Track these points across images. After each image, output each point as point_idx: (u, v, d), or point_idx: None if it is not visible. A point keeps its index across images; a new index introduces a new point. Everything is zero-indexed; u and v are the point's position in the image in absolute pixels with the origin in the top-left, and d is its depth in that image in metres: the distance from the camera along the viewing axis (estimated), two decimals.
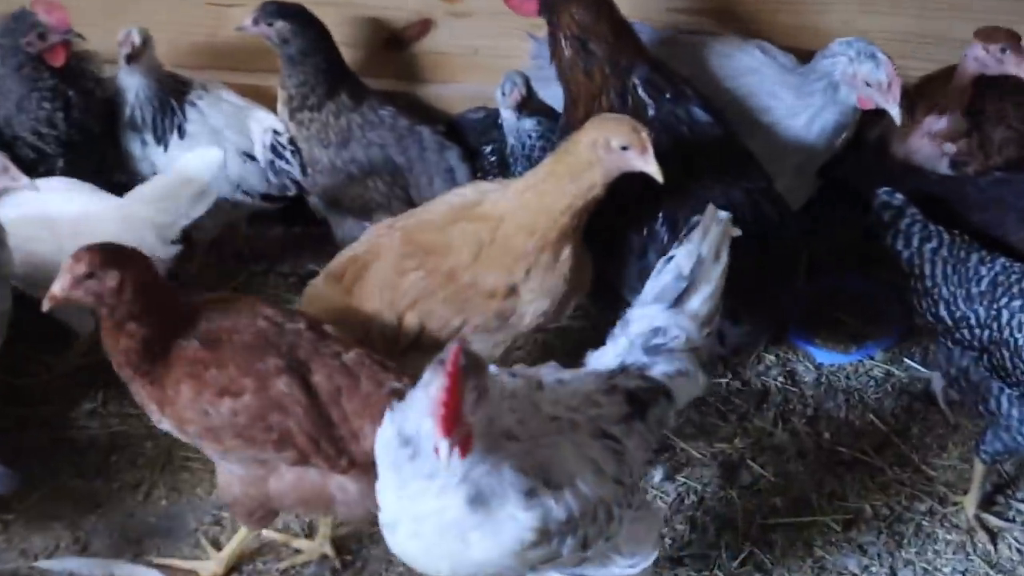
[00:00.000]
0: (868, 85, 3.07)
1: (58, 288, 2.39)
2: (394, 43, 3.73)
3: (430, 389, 1.99)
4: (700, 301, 2.36)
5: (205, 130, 3.41)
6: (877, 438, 3.25)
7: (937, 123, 3.34)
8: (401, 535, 2.19)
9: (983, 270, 2.82)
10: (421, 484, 2.08)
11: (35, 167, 3.29)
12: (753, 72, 3.39)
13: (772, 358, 3.52)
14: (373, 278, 2.91)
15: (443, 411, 1.89)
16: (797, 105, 3.27)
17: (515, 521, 2.05)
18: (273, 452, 2.58)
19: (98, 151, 3.50)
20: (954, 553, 2.96)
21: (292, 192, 3.51)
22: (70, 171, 3.32)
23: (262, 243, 3.96)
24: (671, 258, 2.39)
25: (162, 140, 3.44)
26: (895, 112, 3.03)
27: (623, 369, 2.36)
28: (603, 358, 2.37)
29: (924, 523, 2.99)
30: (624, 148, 2.70)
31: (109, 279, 2.40)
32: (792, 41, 3.55)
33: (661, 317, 2.36)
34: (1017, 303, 2.70)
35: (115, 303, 2.43)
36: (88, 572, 2.94)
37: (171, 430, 2.65)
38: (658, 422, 2.35)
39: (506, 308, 2.80)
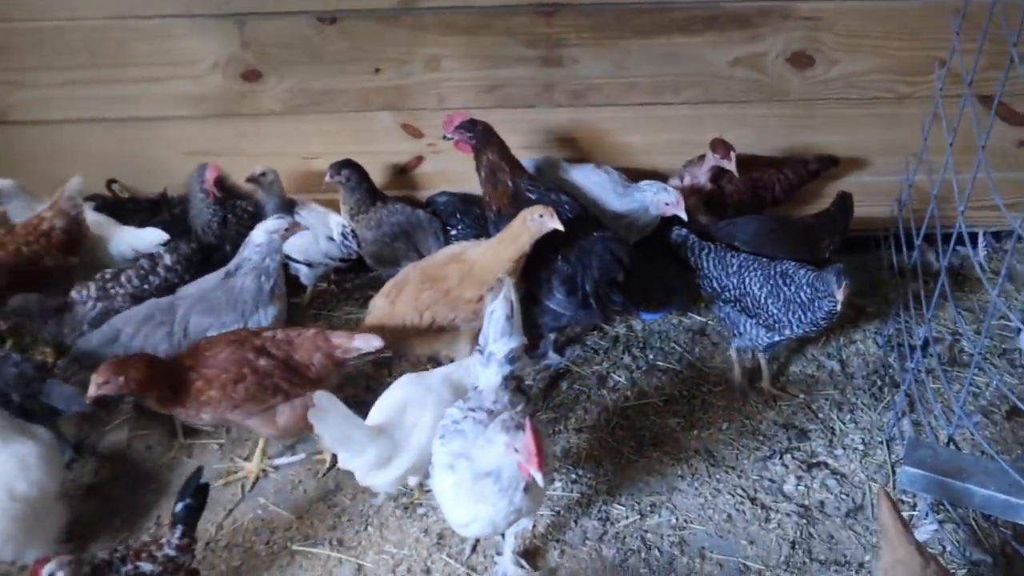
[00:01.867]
0: (667, 204, 4.27)
1: (91, 392, 3.27)
2: (401, 171, 4.84)
3: (519, 445, 2.79)
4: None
5: (307, 225, 4.24)
6: (676, 355, 4.51)
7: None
8: (474, 527, 3.10)
9: (733, 260, 4.09)
10: (499, 496, 2.95)
11: (220, 253, 4.39)
12: (598, 185, 4.49)
13: (619, 318, 4.71)
14: (405, 295, 3.94)
15: (539, 458, 2.76)
16: (622, 208, 4.43)
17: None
18: (272, 400, 3.56)
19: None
20: (723, 412, 4.17)
21: (354, 256, 4.56)
22: (231, 250, 4.20)
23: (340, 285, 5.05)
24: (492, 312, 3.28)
25: None
26: (682, 214, 4.23)
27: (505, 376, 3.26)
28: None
29: (706, 398, 4.26)
30: (540, 216, 3.77)
31: (118, 382, 3.28)
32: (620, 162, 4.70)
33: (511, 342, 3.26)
34: (752, 274, 4.01)
35: (128, 390, 3.33)
36: None
37: (210, 421, 3.60)
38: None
39: (478, 308, 3.69)
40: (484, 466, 2.92)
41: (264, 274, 3.92)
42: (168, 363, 3.51)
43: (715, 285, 4.17)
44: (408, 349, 4.06)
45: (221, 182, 4.46)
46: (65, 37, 4.33)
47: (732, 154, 4.29)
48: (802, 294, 3.88)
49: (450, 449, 3.08)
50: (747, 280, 4.04)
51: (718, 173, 4.52)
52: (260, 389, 3.53)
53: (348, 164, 4.49)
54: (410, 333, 3.96)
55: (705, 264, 4.17)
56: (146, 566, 3.04)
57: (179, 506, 3.13)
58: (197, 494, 3.16)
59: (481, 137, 4.20)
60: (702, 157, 4.50)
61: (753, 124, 4.65)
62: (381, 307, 4.01)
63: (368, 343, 3.66)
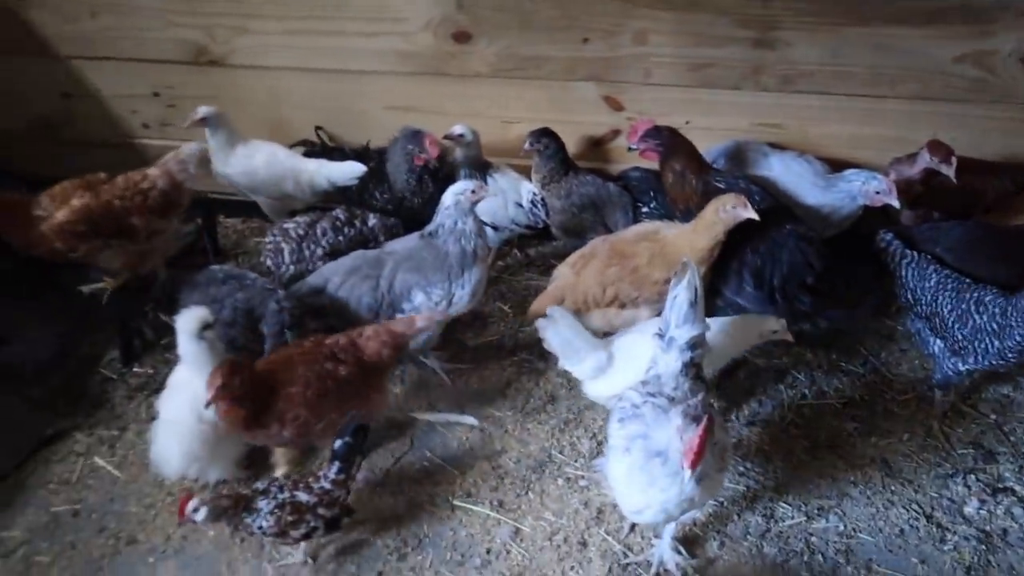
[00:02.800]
0: (877, 193, 4.11)
1: (208, 396, 3.18)
2: (596, 143, 4.83)
3: (686, 437, 2.77)
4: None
5: (496, 188, 4.42)
6: (861, 358, 4.35)
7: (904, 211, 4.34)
8: (647, 514, 3.03)
9: (933, 275, 3.83)
10: (668, 480, 2.89)
11: (412, 209, 4.50)
12: (798, 175, 4.36)
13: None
14: (591, 268, 3.92)
15: (695, 457, 2.74)
16: (821, 200, 4.27)
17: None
18: (355, 406, 3.47)
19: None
20: (905, 423, 4.04)
21: (540, 225, 4.56)
22: (423, 210, 4.36)
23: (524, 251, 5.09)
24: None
25: None
26: (895, 202, 4.06)
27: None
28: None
29: (888, 406, 4.07)
30: (733, 207, 3.69)
31: (217, 387, 3.17)
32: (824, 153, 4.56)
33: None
34: (946, 295, 3.75)
35: (222, 398, 3.22)
36: None
37: (288, 441, 3.49)
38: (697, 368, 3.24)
39: (664, 290, 3.44)
40: (656, 444, 2.92)
41: (463, 237, 3.91)
42: (261, 377, 3.39)
43: (909, 297, 3.98)
44: (586, 321, 3.95)
45: (433, 161, 4.49)
46: None
47: (952, 159, 4.06)
48: (994, 324, 3.61)
49: (628, 432, 3.06)
50: (939, 299, 3.81)
51: (930, 175, 4.27)
52: (343, 398, 3.49)
53: (547, 133, 4.50)
54: (590, 306, 3.96)
55: (904, 273, 3.97)
56: (303, 495, 3.22)
57: (338, 443, 3.30)
58: (356, 433, 3.31)
59: (667, 143, 4.17)
60: (911, 156, 4.29)
61: (973, 125, 4.39)
62: (565, 276, 4.02)
63: (431, 321, 3.70)
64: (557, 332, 3.63)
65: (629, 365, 3.53)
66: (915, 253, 3.94)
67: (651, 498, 2.96)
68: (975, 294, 3.69)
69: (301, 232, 4.25)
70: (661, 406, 3.05)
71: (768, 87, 4.47)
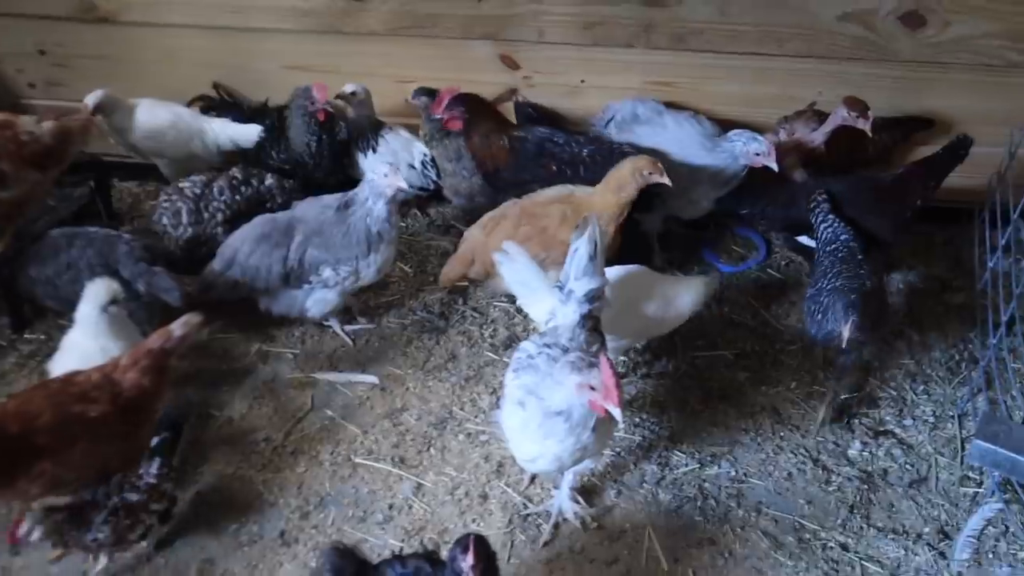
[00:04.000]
0: (757, 155, 4.10)
1: None
2: (494, 102, 4.63)
3: (596, 381, 2.74)
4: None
5: (388, 150, 4.47)
6: (752, 310, 4.40)
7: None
8: (540, 463, 3.04)
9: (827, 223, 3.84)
10: (567, 433, 2.89)
11: (308, 171, 4.52)
12: (686, 136, 4.31)
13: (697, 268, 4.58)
14: (501, 228, 3.90)
15: (617, 393, 2.72)
16: (707, 161, 4.24)
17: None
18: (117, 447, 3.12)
19: (339, 160, 4.56)
20: (793, 372, 4.06)
21: (432, 187, 4.56)
22: (326, 172, 4.51)
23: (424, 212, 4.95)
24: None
25: (365, 152, 4.52)
26: (774, 165, 4.06)
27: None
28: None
29: (778, 356, 4.13)
30: (650, 173, 3.77)
31: None
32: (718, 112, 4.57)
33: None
34: (824, 223, 3.81)
35: None
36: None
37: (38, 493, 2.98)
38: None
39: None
40: (555, 406, 2.88)
41: (370, 217, 3.84)
42: None
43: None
44: (494, 284, 4.01)
45: (326, 118, 4.48)
46: None
47: (869, 113, 4.12)
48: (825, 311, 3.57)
49: (522, 383, 3.03)
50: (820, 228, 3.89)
51: (838, 132, 4.31)
52: (98, 442, 3.04)
53: (428, 92, 4.42)
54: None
55: (821, 233, 3.92)
56: (132, 496, 3.11)
57: (155, 440, 3.22)
58: (173, 427, 3.24)
59: (471, 109, 4.23)
60: (801, 113, 4.38)
61: (856, 83, 4.38)
62: (475, 237, 4.02)
63: (189, 326, 3.29)
64: (514, 269, 3.54)
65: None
66: (837, 218, 3.89)
67: (546, 449, 2.96)
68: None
69: (197, 191, 4.16)
70: (555, 357, 3.03)
71: (660, 45, 4.43)
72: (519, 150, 4.14)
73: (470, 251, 3.98)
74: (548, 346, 3.11)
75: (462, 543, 2.52)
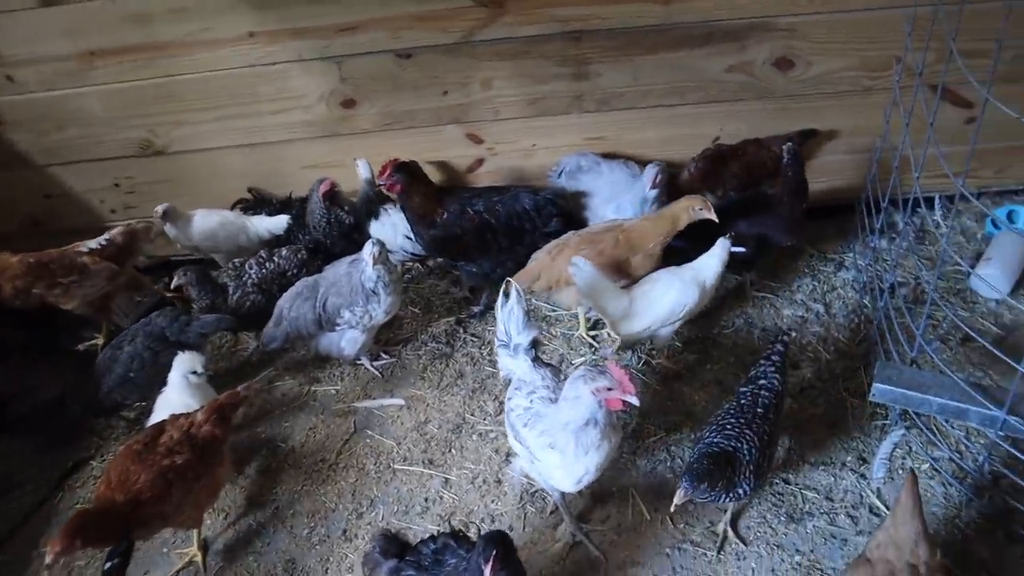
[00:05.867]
0: (653, 184, 4.09)
1: (47, 560, 2.65)
2: (465, 173, 4.68)
3: (613, 381, 2.58)
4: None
5: (389, 221, 4.41)
6: None
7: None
8: (587, 478, 2.80)
9: None
10: (601, 438, 2.71)
11: (327, 247, 4.47)
12: (620, 177, 4.33)
13: None
14: (565, 253, 3.81)
15: (631, 386, 2.60)
16: (636, 192, 4.20)
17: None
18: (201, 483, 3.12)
19: (350, 236, 4.47)
20: (730, 349, 4.05)
21: (424, 254, 4.40)
22: (339, 246, 4.41)
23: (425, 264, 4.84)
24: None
25: (369, 220, 4.46)
26: (654, 189, 4.05)
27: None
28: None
29: (717, 339, 4.10)
30: (700, 209, 3.73)
31: (75, 544, 2.68)
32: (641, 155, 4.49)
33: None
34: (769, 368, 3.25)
35: (89, 546, 2.77)
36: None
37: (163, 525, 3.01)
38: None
39: (626, 269, 3.74)
40: (579, 419, 2.67)
41: (363, 276, 3.81)
42: (103, 511, 2.85)
43: None
44: (556, 296, 3.99)
45: (330, 193, 4.44)
46: (210, 84, 4.35)
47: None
48: None
49: (541, 431, 2.84)
50: None
51: (746, 161, 4.37)
52: (187, 484, 3.04)
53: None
54: (561, 283, 3.88)
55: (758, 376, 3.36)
56: None
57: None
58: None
59: (409, 174, 4.01)
60: (706, 151, 4.43)
61: (746, 118, 4.43)
62: (542, 260, 3.93)
63: (251, 390, 3.39)
64: (584, 276, 3.51)
65: (647, 307, 3.60)
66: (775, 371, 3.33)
67: (590, 462, 2.76)
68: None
69: (234, 271, 4.28)
70: (546, 397, 2.92)
71: (589, 109, 4.46)
72: (453, 209, 4.00)
73: (537, 269, 3.89)
74: (532, 393, 2.98)
75: (486, 552, 2.36)
